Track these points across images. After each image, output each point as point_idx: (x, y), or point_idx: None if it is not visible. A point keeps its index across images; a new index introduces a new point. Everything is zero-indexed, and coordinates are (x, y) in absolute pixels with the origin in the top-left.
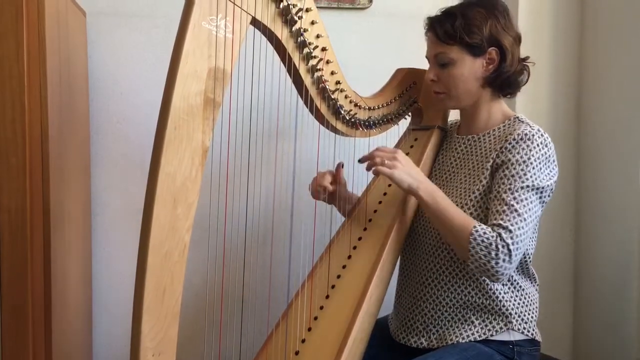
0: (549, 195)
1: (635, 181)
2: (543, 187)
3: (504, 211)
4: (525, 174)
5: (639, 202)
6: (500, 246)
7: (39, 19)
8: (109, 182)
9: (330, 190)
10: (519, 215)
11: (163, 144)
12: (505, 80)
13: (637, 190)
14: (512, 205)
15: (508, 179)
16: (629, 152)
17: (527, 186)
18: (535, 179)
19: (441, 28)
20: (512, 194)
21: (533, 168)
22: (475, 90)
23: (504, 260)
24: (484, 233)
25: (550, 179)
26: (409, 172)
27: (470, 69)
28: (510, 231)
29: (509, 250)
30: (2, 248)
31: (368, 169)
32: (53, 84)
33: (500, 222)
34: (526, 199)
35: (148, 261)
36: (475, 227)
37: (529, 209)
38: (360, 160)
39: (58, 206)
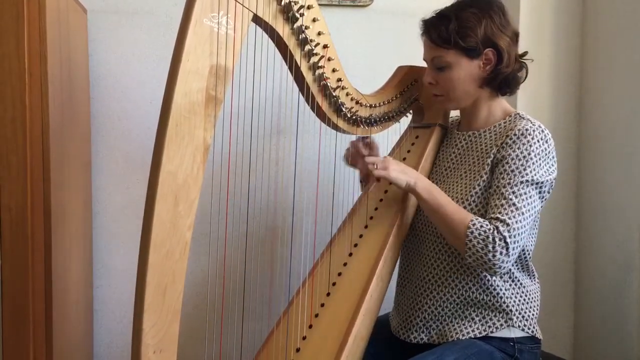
0: (548, 191)
1: (635, 179)
2: (542, 182)
3: (502, 205)
4: (525, 169)
5: (639, 200)
6: (497, 239)
7: (40, 17)
8: (110, 180)
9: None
10: (517, 209)
11: (164, 142)
12: (503, 80)
13: (637, 188)
14: (511, 199)
15: (507, 174)
16: (630, 149)
17: (527, 181)
18: (535, 174)
19: (435, 32)
20: (511, 188)
21: (533, 163)
22: (474, 91)
23: (501, 254)
24: (481, 226)
25: (549, 174)
26: (404, 170)
27: (467, 71)
28: (508, 224)
29: (506, 243)
30: (2, 246)
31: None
32: (54, 82)
33: (498, 215)
34: (525, 193)
35: (149, 259)
36: (472, 220)
37: (528, 204)
38: (349, 162)
39: (59, 204)
